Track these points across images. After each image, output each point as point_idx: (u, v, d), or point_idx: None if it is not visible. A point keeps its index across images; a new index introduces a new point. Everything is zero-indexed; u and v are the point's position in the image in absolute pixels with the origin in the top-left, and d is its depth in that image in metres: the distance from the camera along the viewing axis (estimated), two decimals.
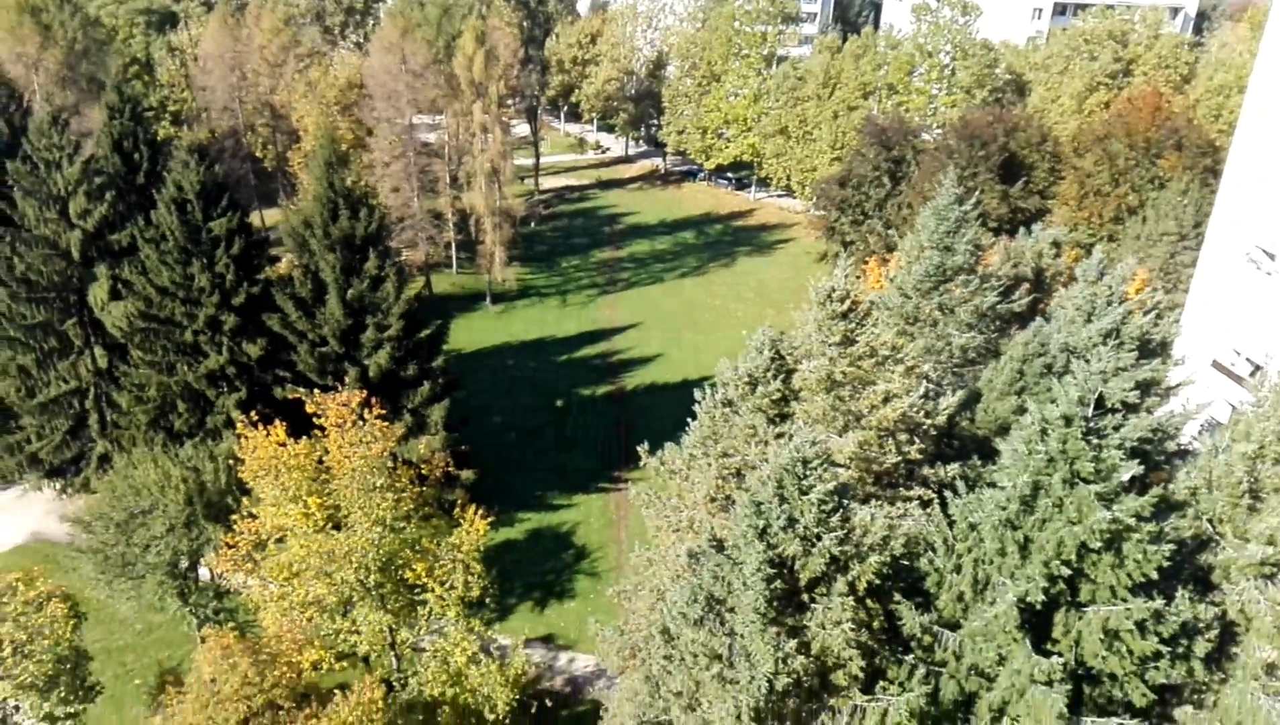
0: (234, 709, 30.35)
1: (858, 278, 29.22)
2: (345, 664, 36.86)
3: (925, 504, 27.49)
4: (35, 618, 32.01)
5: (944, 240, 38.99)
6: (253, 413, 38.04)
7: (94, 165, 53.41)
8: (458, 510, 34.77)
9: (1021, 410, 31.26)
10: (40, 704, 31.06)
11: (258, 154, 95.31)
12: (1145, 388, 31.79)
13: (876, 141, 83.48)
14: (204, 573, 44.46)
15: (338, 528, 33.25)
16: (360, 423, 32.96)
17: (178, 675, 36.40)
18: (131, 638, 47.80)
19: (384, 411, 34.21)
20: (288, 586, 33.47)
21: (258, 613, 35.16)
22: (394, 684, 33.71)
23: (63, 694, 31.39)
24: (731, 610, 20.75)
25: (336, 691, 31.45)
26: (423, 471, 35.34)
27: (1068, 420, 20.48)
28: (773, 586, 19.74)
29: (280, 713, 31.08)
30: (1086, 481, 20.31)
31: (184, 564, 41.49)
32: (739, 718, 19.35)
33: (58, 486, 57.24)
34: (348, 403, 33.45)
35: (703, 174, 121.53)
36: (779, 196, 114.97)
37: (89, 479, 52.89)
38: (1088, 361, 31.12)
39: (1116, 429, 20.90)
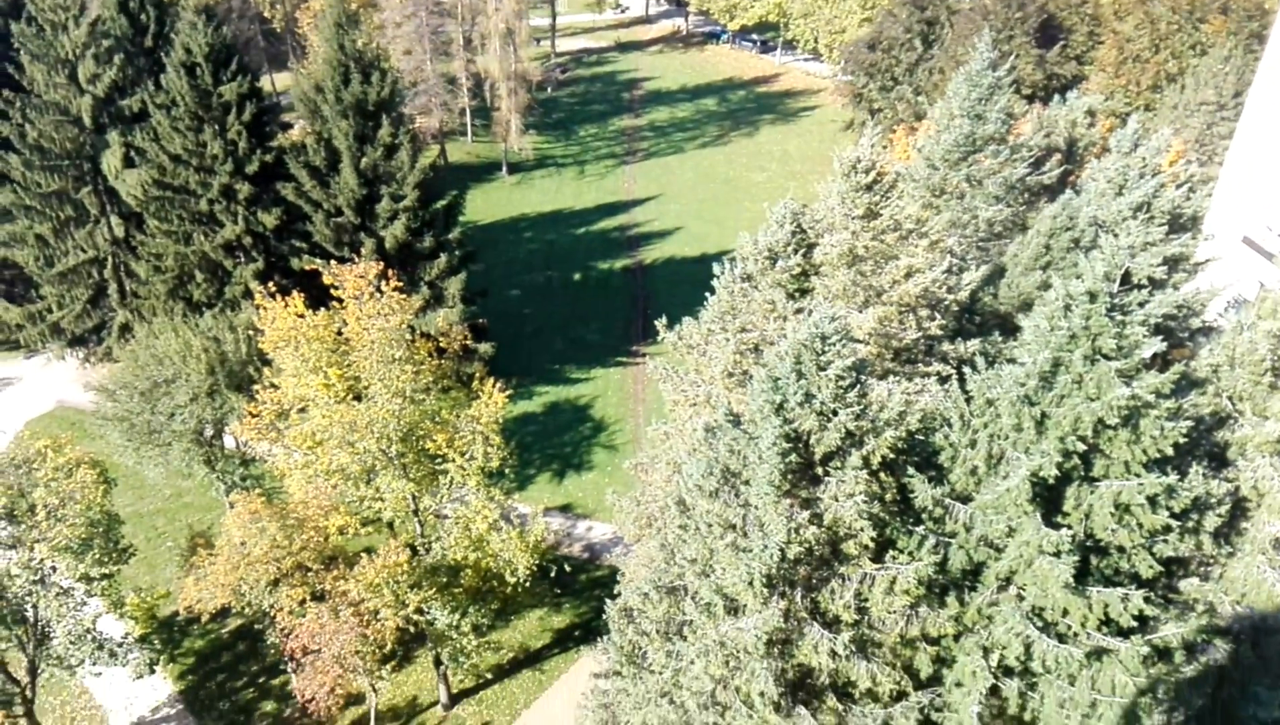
0: (264, 570, 31.41)
1: (884, 148, 28.43)
2: (370, 529, 37.96)
3: (943, 380, 27.43)
4: (66, 483, 32.87)
5: (975, 108, 37.73)
6: (270, 284, 38.08)
7: (100, 28, 52.05)
8: (476, 383, 35.03)
9: (1046, 286, 30.84)
10: (76, 565, 32.22)
11: (265, 14, 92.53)
12: (1173, 263, 31.20)
13: (909, 1, 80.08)
14: (229, 441, 45.42)
15: (358, 399, 33.62)
16: (378, 295, 32.91)
17: (208, 538, 37.59)
18: (161, 502, 49.28)
19: (401, 284, 34.11)
20: (312, 455, 34.10)
21: (283, 480, 35.99)
22: (418, 548, 34.68)
23: (97, 556, 32.51)
24: (746, 483, 20.99)
25: (363, 555, 32.47)
26: (441, 344, 35.46)
27: (1092, 296, 20.13)
28: (788, 460, 19.88)
29: (309, 574, 32.17)
30: (1108, 358, 20.12)
31: (209, 432, 42.35)
32: (751, 583, 19.78)
33: (81, 356, 58.10)
34: (364, 275, 33.33)
35: (726, 35, 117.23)
36: (805, 60, 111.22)
37: (111, 348, 53.57)
38: (1116, 236, 30.54)
39: (1141, 305, 20.55)
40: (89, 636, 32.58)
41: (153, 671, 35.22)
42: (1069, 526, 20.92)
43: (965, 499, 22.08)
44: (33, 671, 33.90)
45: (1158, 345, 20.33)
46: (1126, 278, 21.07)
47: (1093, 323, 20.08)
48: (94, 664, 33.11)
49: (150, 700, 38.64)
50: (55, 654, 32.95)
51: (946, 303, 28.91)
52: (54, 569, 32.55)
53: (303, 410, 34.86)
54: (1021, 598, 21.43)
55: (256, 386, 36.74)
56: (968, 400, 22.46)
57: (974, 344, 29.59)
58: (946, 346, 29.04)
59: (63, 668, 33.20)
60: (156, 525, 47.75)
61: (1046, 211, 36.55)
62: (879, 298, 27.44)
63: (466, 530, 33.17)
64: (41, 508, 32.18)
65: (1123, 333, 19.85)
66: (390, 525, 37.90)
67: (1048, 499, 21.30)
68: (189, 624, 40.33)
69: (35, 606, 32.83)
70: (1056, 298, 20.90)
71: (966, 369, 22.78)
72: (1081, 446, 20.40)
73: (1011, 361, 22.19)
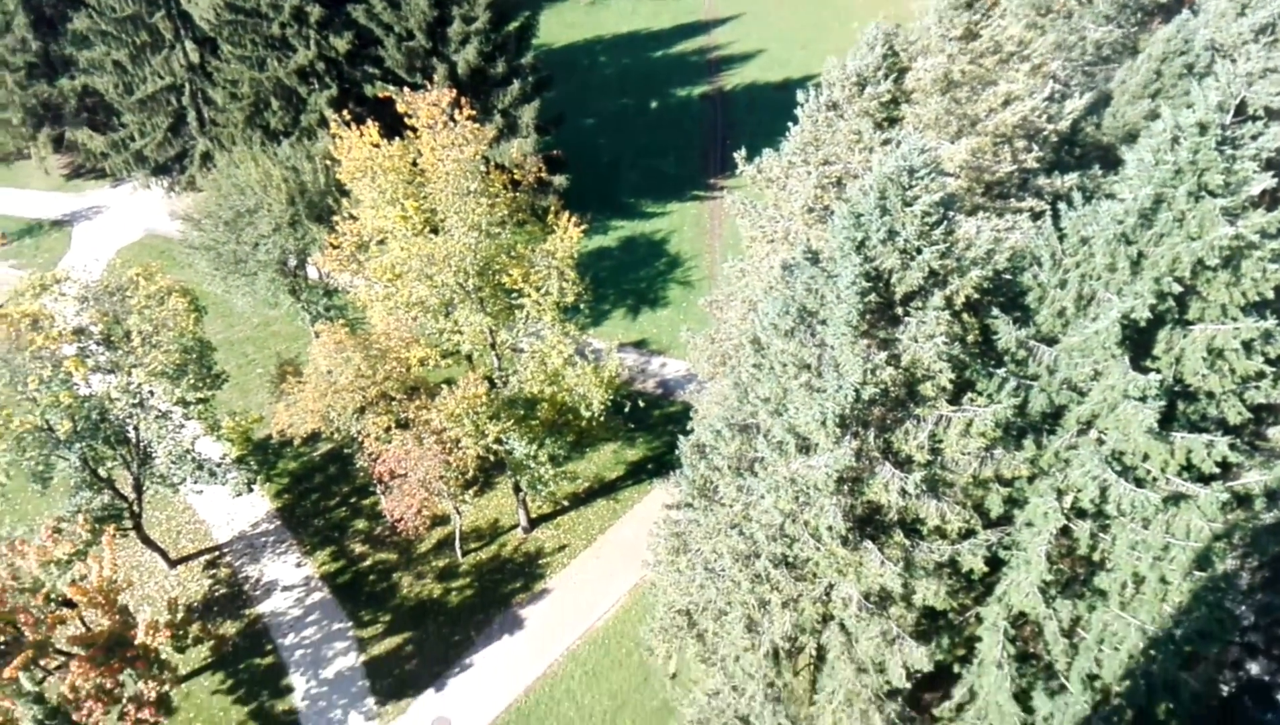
0: (350, 398, 32.53)
1: None
2: (450, 361, 38.85)
3: (1036, 216, 26.24)
4: (159, 311, 34.02)
5: None
6: (345, 112, 37.76)
7: None
8: (551, 216, 34.76)
9: (1154, 116, 28.92)
10: (172, 390, 33.70)
11: None
12: None
13: None
14: (312, 272, 46.32)
15: (435, 232, 33.71)
16: (451, 124, 32.42)
17: (296, 366, 38.93)
18: (250, 330, 50.99)
19: (474, 113, 33.50)
20: (391, 287, 34.61)
21: (365, 311, 36.74)
22: (495, 381, 35.45)
23: (191, 381, 33.92)
24: (823, 322, 20.65)
25: (443, 386, 33.32)
26: (515, 176, 35.06)
27: (1202, 128, 18.74)
28: (867, 300, 19.43)
29: (393, 403, 33.25)
30: (1213, 195, 18.92)
31: (292, 262, 43.18)
32: (823, 423, 19.75)
33: (165, 185, 59.15)
34: (438, 102, 32.76)
35: None
36: None
37: (194, 177, 54.36)
38: (1234, 61, 28.19)
39: (1254, 138, 19.08)
40: (188, 457, 34.44)
41: (250, 490, 37.28)
42: (1157, 371, 20.29)
43: (1050, 341, 21.47)
44: (138, 489, 36.16)
45: (1268, 181, 19.00)
46: (1241, 108, 19.52)
47: (1200, 157, 18.78)
48: (195, 482, 35.13)
49: (250, 516, 41.17)
50: (158, 473, 35.00)
51: (1045, 133, 27.29)
52: (151, 393, 34.11)
53: (381, 242, 35.18)
54: (1101, 442, 21.07)
55: (336, 218, 37.05)
56: (1061, 238, 21.50)
57: (1072, 178, 28.09)
58: (1042, 180, 27.63)
59: (166, 485, 35.31)
60: (246, 352, 49.60)
61: (1160, 34, 33.81)
62: (973, 127, 26.01)
63: (542, 365, 33.67)
64: (137, 334, 33.47)
65: (1231, 168, 18.56)
66: (469, 358, 38.69)
67: (1137, 342, 20.60)
68: (282, 447, 42.36)
69: (136, 428, 34.67)
70: (1164, 129, 19.54)
71: (1062, 205, 21.72)
72: (1177, 288, 19.53)
73: (1110, 197, 21.05)
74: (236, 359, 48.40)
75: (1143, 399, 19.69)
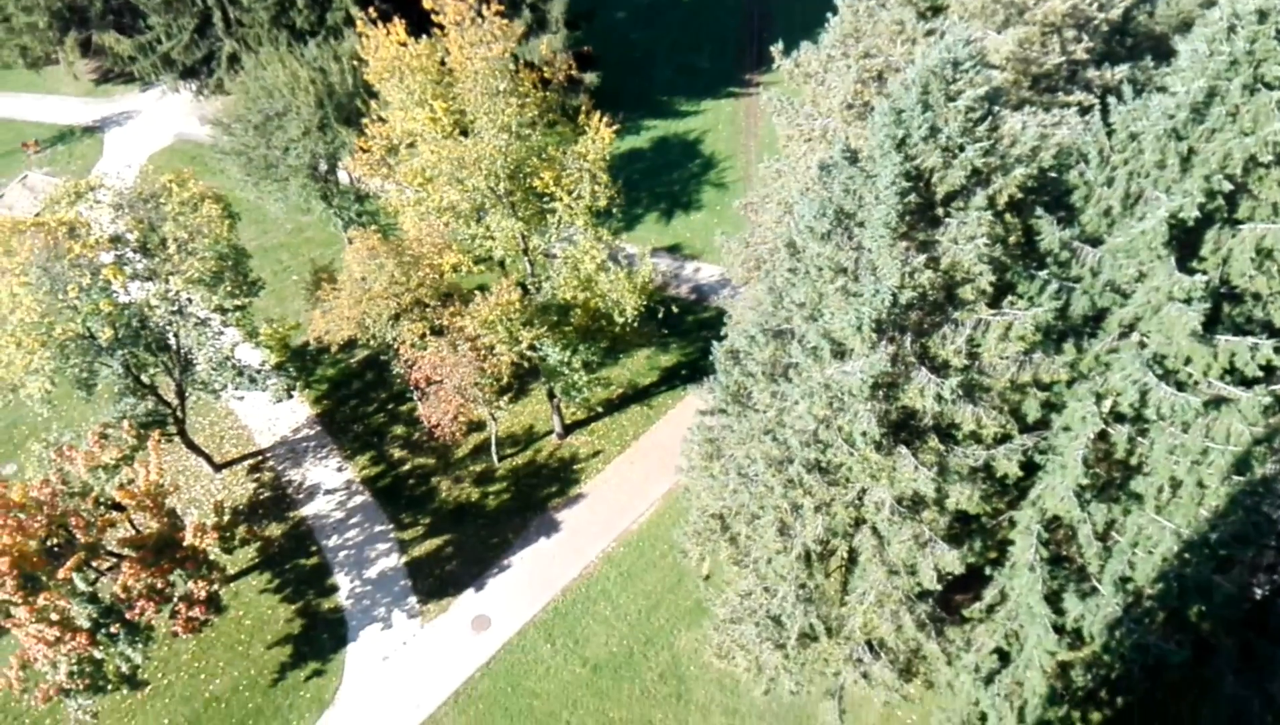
0: (384, 305, 32.64)
1: None
2: (482, 268, 38.75)
3: (1084, 111, 25.26)
4: (193, 217, 34.08)
5: None
6: (370, 9, 36.93)
7: None
8: (582, 117, 34.06)
9: (1210, 3, 27.50)
10: (209, 297, 33.99)
11: None
12: None
13: None
14: (343, 177, 46.06)
15: (465, 134, 33.22)
16: (479, 20, 31.60)
17: (330, 273, 39.05)
18: (283, 237, 51.12)
19: (502, 8, 32.59)
20: (423, 191, 34.34)
21: (397, 217, 36.57)
22: (528, 287, 35.34)
23: (228, 288, 34.16)
24: (861, 225, 20.18)
25: (477, 292, 33.31)
26: (545, 75, 34.27)
27: (1262, 15, 17.76)
28: (906, 201, 18.90)
29: (427, 310, 33.33)
30: (1270, 87, 18.05)
31: (323, 167, 42.94)
32: (859, 329, 19.48)
33: (194, 88, 58.69)
34: None
35: None
36: None
37: (222, 80, 53.84)
38: None
39: None
40: (228, 363, 34.93)
41: (290, 396, 37.87)
42: (1203, 272, 19.72)
43: (1095, 242, 20.88)
44: (180, 395, 36.83)
45: None
46: None
47: (1258, 47, 17.88)
48: (235, 388, 35.71)
49: (290, 422, 41.92)
50: (199, 379, 35.57)
51: (1096, 22, 26.06)
52: (189, 301, 34.44)
53: (411, 146, 34.77)
54: (1143, 345, 20.65)
55: (365, 121, 36.62)
56: (1109, 134, 20.71)
57: (1122, 70, 26.92)
58: (1091, 73, 26.51)
59: (207, 391, 35.92)
60: (281, 259, 49.82)
61: None
62: (1020, 16, 24.91)
63: (575, 270, 33.46)
64: (172, 241, 33.62)
65: None
66: (501, 264, 38.55)
67: (1184, 243, 19.99)
68: (320, 353, 42.86)
69: (176, 335, 35.13)
70: (1220, 17, 18.56)
71: (1111, 99, 20.84)
72: (1228, 186, 18.83)
73: (1162, 90, 20.15)
74: (271, 266, 48.64)
75: (1187, 301, 19.20)
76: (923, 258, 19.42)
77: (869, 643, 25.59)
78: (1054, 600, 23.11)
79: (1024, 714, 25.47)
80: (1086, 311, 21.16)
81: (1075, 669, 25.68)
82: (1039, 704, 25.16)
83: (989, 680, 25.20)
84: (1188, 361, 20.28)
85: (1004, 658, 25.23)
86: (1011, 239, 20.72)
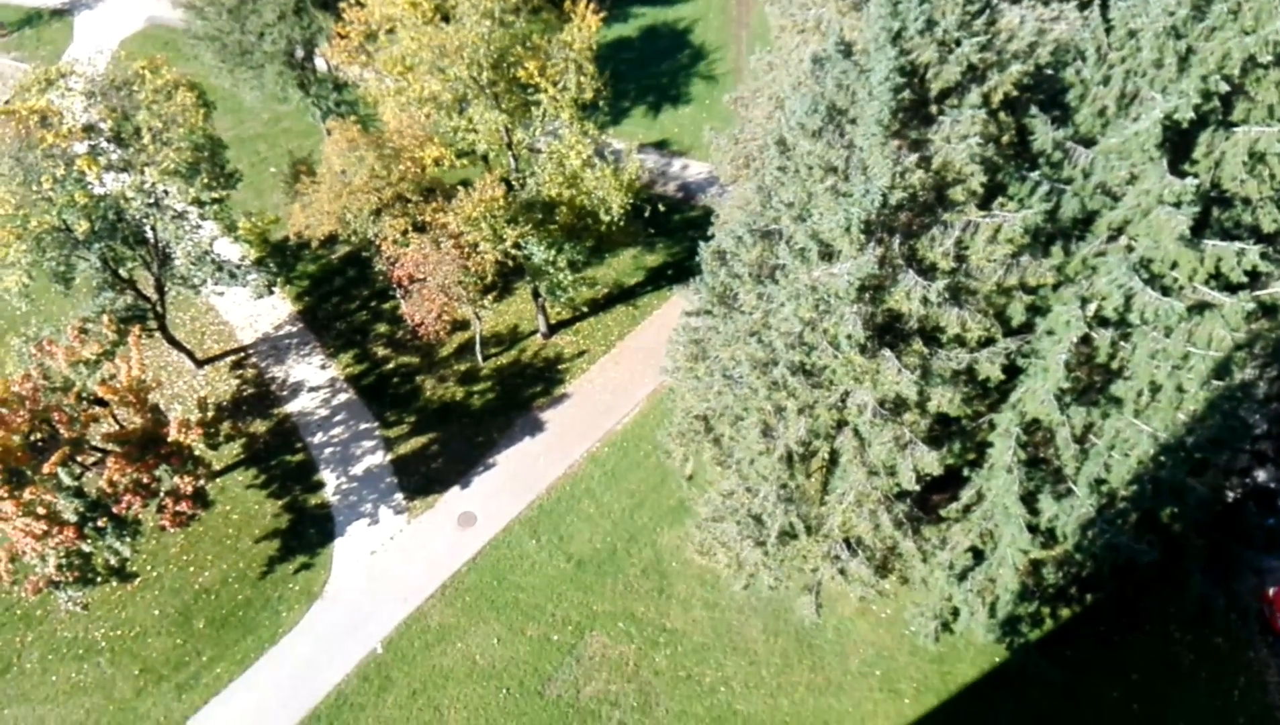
0: (365, 200, 32.05)
1: None
2: (465, 162, 37.97)
3: (1084, 5, 24.53)
4: (167, 106, 33.09)
5: None
6: None
7: None
8: (568, 3, 32.95)
9: None
10: (186, 189, 33.21)
11: None
12: None
13: None
14: (321, 64, 44.72)
15: (446, 20, 32.15)
16: None
17: (309, 165, 38.20)
18: (260, 127, 49.85)
19: None
20: (403, 81, 33.40)
21: (377, 107, 35.63)
22: (513, 183, 34.72)
23: (205, 180, 33.37)
24: (853, 122, 19.74)
25: (459, 188, 32.69)
26: None
27: None
28: (900, 97, 18.46)
29: (409, 205, 32.75)
30: None
31: (300, 53, 41.66)
32: (848, 230, 19.24)
33: None
34: None
35: None
36: None
37: None
38: None
39: None
40: (207, 258, 34.41)
41: (271, 292, 37.45)
42: (1195, 175, 19.51)
43: (1088, 142, 20.56)
44: (160, 290, 36.36)
45: None
46: None
47: None
48: (215, 283, 35.27)
49: (272, 319, 41.58)
50: (178, 274, 35.06)
51: None
52: (166, 193, 33.68)
53: (390, 32, 33.69)
54: (1131, 249, 20.55)
55: (342, 4, 35.36)
56: (1108, 30, 20.18)
57: None
58: None
59: (187, 286, 35.47)
60: (259, 150, 48.66)
61: None
62: None
63: (560, 166, 32.83)
64: (147, 131, 32.71)
65: None
66: (485, 159, 37.79)
67: (1177, 145, 19.72)
68: (300, 249, 42.26)
69: (154, 228, 34.48)
70: None
71: None
72: (1225, 87, 18.53)
73: None
74: (249, 157, 47.55)
75: (1177, 205, 19.04)
76: (914, 157, 19.08)
77: (847, 541, 26.06)
78: (1029, 501, 23.51)
79: (995, 609, 26.21)
80: (1076, 214, 20.97)
81: (1047, 567, 26.36)
82: (1010, 600, 25.87)
83: (963, 577, 25.82)
84: (1174, 266, 20.23)
85: (978, 556, 25.81)
86: (1004, 139, 20.38)
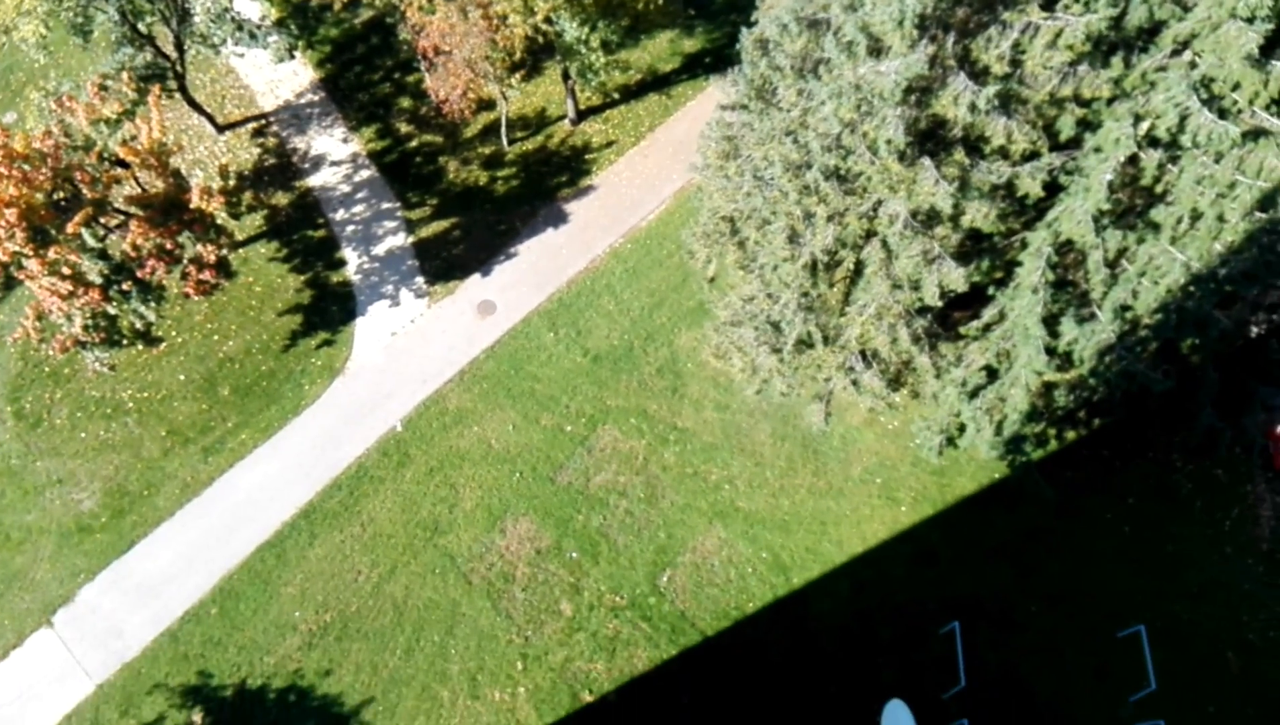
0: None
1: None
2: None
3: None
4: None
5: None
6: None
7: None
8: None
9: None
10: None
11: None
12: None
13: None
14: None
15: None
16: None
17: None
18: None
19: None
20: None
21: None
22: None
23: None
24: None
25: None
26: None
27: None
28: None
29: None
30: None
31: None
32: (901, 23, 18.20)
33: None
34: None
35: None
36: None
37: None
38: None
39: None
40: (227, 15, 33.07)
41: (292, 57, 36.11)
42: None
43: None
44: (179, 47, 35.14)
45: None
46: None
47: None
48: (235, 44, 34.05)
49: (293, 85, 40.38)
50: (198, 31, 33.79)
51: None
52: None
53: None
54: (1194, 65, 19.42)
55: None
56: None
57: None
58: None
59: (207, 45, 34.26)
60: None
61: None
62: None
63: None
64: None
65: None
66: None
67: None
68: (322, 11, 40.45)
69: None
70: None
71: None
72: None
73: None
74: None
75: (1250, 20, 17.82)
76: None
77: (863, 352, 26.19)
78: (1051, 323, 23.37)
79: (1001, 427, 26.60)
80: (1142, 23, 19.72)
81: (1059, 390, 26.50)
82: (1018, 419, 26.21)
83: (974, 394, 26.06)
84: (1236, 87, 19.17)
85: (992, 375, 25.93)
86: None
